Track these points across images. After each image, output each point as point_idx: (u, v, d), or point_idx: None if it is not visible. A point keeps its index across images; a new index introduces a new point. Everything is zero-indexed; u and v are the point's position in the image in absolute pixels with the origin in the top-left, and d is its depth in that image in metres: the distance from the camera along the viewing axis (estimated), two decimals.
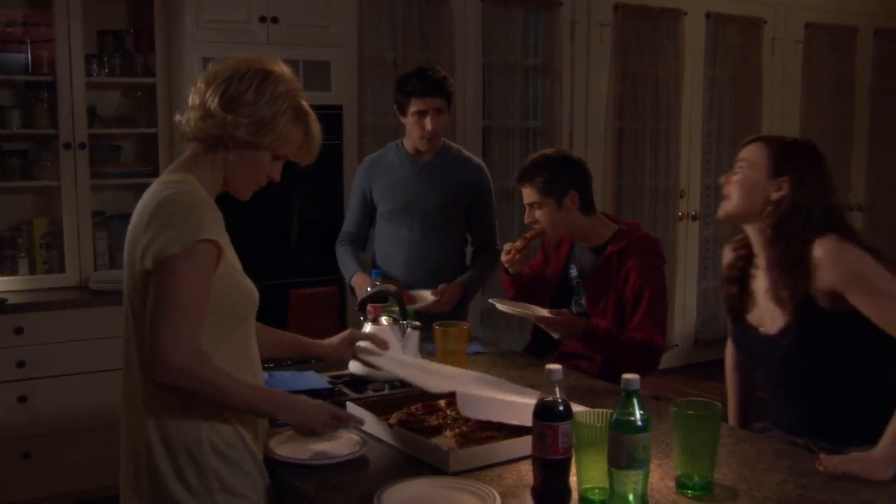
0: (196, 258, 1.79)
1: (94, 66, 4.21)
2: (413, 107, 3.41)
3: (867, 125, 7.16)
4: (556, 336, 2.86)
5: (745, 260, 2.43)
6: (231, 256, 1.93)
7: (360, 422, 2.09)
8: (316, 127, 1.99)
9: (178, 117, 1.97)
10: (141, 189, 4.67)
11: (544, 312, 2.84)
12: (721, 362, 2.76)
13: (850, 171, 7.02)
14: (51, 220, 4.24)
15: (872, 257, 2.17)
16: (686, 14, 6.10)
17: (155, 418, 1.85)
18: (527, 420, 1.80)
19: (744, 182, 2.31)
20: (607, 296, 2.95)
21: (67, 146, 4.09)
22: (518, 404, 2.04)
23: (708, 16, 6.26)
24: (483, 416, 2.02)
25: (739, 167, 2.33)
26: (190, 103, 1.93)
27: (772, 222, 2.27)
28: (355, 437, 2.09)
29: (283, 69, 1.96)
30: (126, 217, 4.66)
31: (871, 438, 2.02)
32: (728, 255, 2.51)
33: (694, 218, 6.42)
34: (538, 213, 3.02)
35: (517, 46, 5.55)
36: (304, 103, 1.97)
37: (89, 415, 3.94)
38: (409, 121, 3.46)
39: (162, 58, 4.29)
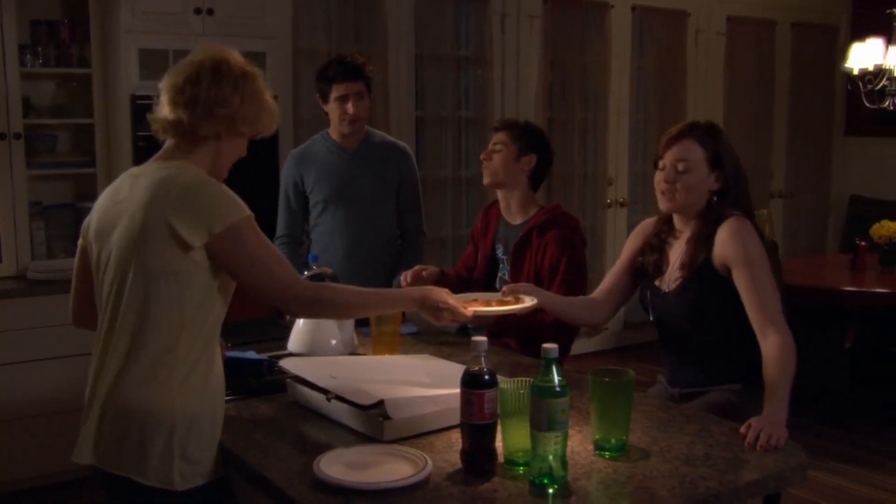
0: (253, 222, 2.00)
1: (28, 56, 4.21)
2: (335, 92, 3.52)
3: (786, 114, 7.39)
4: (471, 326, 2.98)
5: (667, 228, 2.69)
6: None
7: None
8: (272, 103, 2.15)
9: (168, 115, 2.04)
10: (77, 179, 4.67)
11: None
12: (649, 345, 2.92)
13: (771, 159, 7.27)
14: None
15: (763, 247, 2.48)
16: (613, 7, 6.25)
17: (134, 388, 1.93)
18: (454, 406, 1.92)
19: (689, 184, 2.54)
20: (528, 268, 3.09)
21: (2, 136, 4.08)
22: (444, 396, 2.12)
23: (634, 8, 6.42)
24: (413, 413, 2.08)
25: (681, 167, 2.54)
26: (185, 100, 2.01)
27: (703, 204, 2.57)
28: None
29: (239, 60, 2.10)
30: (63, 206, 4.64)
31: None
32: (650, 225, 2.75)
33: (622, 204, 6.58)
34: (496, 156, 3.16)
35: (449, 38, 5.65)
36: (258, 84, 2.12)
37: (30, 404, 3.96)
38: (331, 107, 3.56)
39: (98, 48, 4.30)
